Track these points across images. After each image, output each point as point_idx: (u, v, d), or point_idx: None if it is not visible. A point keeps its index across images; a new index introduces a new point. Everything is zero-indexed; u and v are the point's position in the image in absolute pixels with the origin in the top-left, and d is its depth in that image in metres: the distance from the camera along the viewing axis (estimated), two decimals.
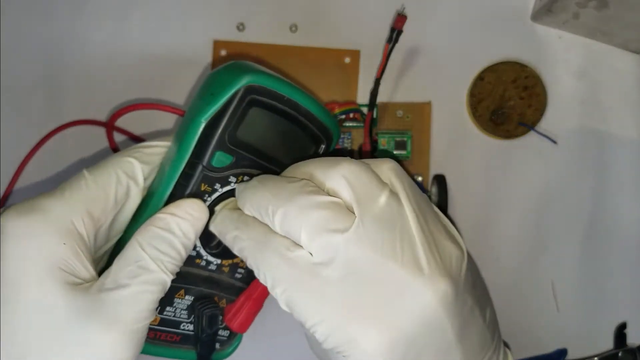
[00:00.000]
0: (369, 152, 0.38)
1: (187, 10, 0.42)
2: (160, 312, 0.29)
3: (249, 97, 0.28)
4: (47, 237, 0.24)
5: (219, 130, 0.27)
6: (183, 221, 0.26)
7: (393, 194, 0.25)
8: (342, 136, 0.39)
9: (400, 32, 0.37)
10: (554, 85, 0.41)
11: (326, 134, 0.31)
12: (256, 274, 0.26)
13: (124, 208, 0.28)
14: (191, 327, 0.30)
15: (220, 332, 0.31)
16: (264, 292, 0.29)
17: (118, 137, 0.41)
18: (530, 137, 0.41)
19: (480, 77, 0.40)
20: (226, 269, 0.30)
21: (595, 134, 0.41)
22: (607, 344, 0.41)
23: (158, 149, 0.29)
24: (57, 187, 0.26)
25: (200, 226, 0.27)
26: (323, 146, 0.31)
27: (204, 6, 0.42)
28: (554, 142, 0.41)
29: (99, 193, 0.26)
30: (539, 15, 0.40)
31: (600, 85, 0.41)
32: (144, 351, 0.28)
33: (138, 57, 0.41)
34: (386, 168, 0.26)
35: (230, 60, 0.29)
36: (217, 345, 0.31)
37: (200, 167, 0.28)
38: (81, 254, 0.24)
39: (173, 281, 0.26)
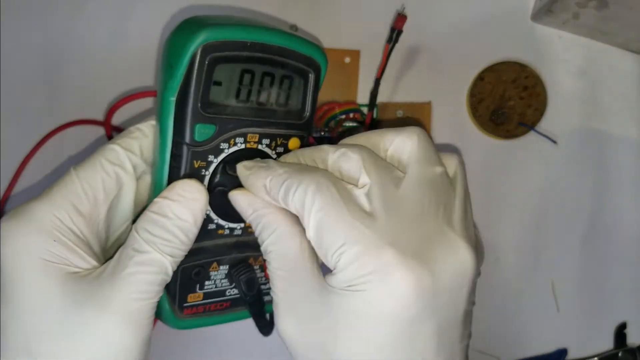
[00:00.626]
0: None
1: (187, 10, 0.42)
2: (201, 288, 0.30)
3: (209, 57, 0.26)
4: (34, 235, 0.25)
5: (190, 103, 0.26)
6: (174, 203, 0.26)
7: (449, 176, 0.27)
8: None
9: (400, 32, 0.37)
10: (554, 85, 0.41)
11: (310, 63, 0.29)
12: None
13: (121, 195, 0.28)
14: (236, 291, 0.31)
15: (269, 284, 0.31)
16: None
17: None
18: (530, 137, 0.41)
19: (480, 77, 0.40)
20: (252, 230, 0.30)
21: (595, 133, 0.41)
22: (607, 344, 0.41)
23: (142, 131, 0.29)
24: (46, 188, 0.27)
25: (196, 205, 0.26)
26: (312, 76, 0.29)
27: (204, 6, 0.42)
28: (554, 142, 0.41)
29: (85, 186, 0.26)
30: (539, 15, 0.40)
31: (600, 85, 0.41)
32: (200, 324, 0.30)
33: (138, 57, 0.42)
34: (454, 159, 0.28)
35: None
36: (269, 297, 0.31)
37: (185, 146, 0.27)
38: (74, 246, 0.25)
39: (203, 257, 0.28)
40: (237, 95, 0.28)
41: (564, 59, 0.41)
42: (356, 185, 0.25)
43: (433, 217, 0.25)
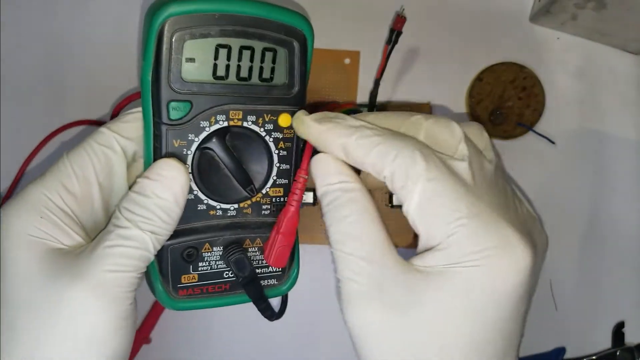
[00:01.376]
0: None
1: None
2: (195, 270, 0.29)
3: (175, 33, 0.25)
4: (22, 212, 0.26)
5: (162, 81, 0.26)
6: (153, 182, 0.26)
7: None
8: None
9: (399, 33, 0.37)
10: (553, 86, 0.41)
11: (292, 33, 0.27)
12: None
13: (113, 175, 0.28)
14: None
15: (272, 268, 0.31)
16: (291, 222, 0.29)
17: None
18: (529, 138, 0.41)
19: (479, 78, 0.41)
20: (248, 210, 0.30)
21: (593, 134, 0.42)
22: (605, 342, 0.41)
23: (134, 115, 0.29)
24: (42, 173, 0.28)
25: (175, 184, 0.26)
26: (297, 47, 0.28)
27: None
28: (552, 142, 0.41)
29: (74, 167, 0.27)
30: (537, 16, 0.41)
31: (599, 86, 0.42)
32: (198, 306, 0.30)
33: (138, 59, 0.42)
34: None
35: None
36: (273, 281, 0.31)
37: (163, 125, 0.27)
38: (62, 223, 0.26)
39: (194, 237, 0.28)
40: (215, 72, 0.27)
41: (562, 59, 0.42)
42: (451, 157, 0.24)
43: (511, 202, 0.25)
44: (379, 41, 0.41)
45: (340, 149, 0.25)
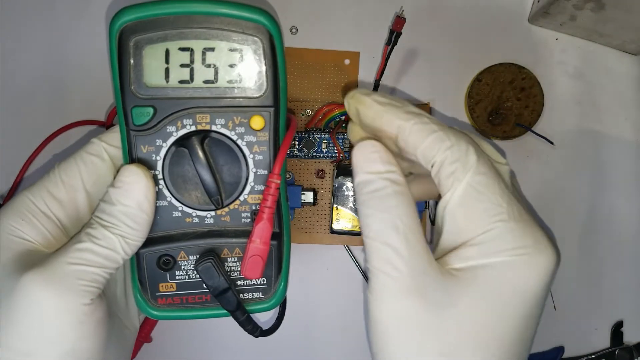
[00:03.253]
0: None
1: None
2: (172, 278, 0.29)
3: (132, 39, 0.25)
4: (7, 214, 0.27)
5: (125, 87, 0.26)
6: (116, 190, 0.27)
7: None
8: (342, 137, 0.40)
9: (399, 34, 0.37)
10: (551, 87, 0.41)
11: (255, 30, 0.26)
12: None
13: (101, 183, 0.29)
14: None
15: (257, 280, 0.30)
16: (262, 230, 0.28)
17: None
18: (528, 138, 0.41)
19: (478, 79, 0.41)
20: (227, 218, 0.29)
21: (591, 134, 0.42)
22: (603, 342, 0.41)
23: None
24: None
25: (136, 190, 0.26)
26: (262, 44, 0.26)
27: None
28: (551, 142, 0.41)
29: (62, 175, 0.28)
30: (536, 17, 0.41)
31: (597, 87, 0.42)
32: (178, 316, 0.29)
33: None
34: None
35: None
36: (258, 295, 0.30)
37: (131, 132, 0.27)
38: (41, 226, 0.27)
39: (169, 245, 0.28)
40: (177, 76, 0.26)
41: (560, 60, 0.42)
42: (495, 160, 0.26)
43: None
44: (379, 42, 0.41)
45: (396, 130, 0.25)
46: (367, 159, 0.26)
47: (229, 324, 0.41)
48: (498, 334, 0.24)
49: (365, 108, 0.26)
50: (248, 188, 0.29)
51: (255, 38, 0.26)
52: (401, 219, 0.24)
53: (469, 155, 0.24)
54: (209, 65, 0.26)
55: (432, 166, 0.25)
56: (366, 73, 0.42)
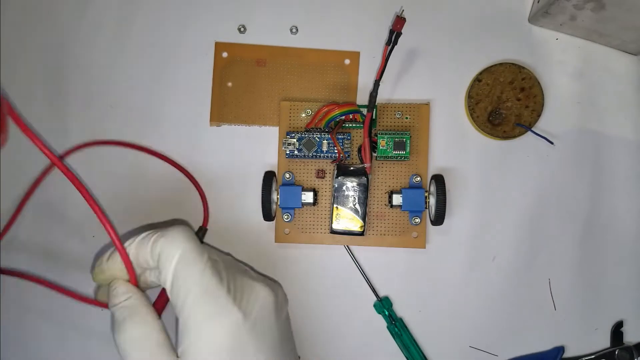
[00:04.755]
0: (369, 151, 0.39)
1: (188, 12, 0.42)
2: None
3: None
4: None
5: None
6: None
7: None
8: (342, 137, 0.40)
9: (399, 34, 0.37)
10: (551, 87, 0.41)
11: None
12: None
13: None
14: None
15: None
16: None
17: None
18: (528, 138, 0.41)
19: (478, 79, 0.41)
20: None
21: (591, 134, 0.42)
22: (603, 342, 0.41)
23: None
24: None
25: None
26: None
27: (205, 8, 0.42)
28: (551, 142, 0.41)
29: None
30: (536, 17, 0.41)
31: (597, 86, 0.42)
32: None
33: (139, 60, 0.42)
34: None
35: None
36: None
37: None
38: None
39: None
40: None
41: (560, 60, 0.42)
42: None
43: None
44: (379, 42, 0.41)
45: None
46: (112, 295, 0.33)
47: None
48: None
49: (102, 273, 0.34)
50: None
51: None
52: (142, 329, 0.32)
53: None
54: None
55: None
56: (366, 73, 0.42)
